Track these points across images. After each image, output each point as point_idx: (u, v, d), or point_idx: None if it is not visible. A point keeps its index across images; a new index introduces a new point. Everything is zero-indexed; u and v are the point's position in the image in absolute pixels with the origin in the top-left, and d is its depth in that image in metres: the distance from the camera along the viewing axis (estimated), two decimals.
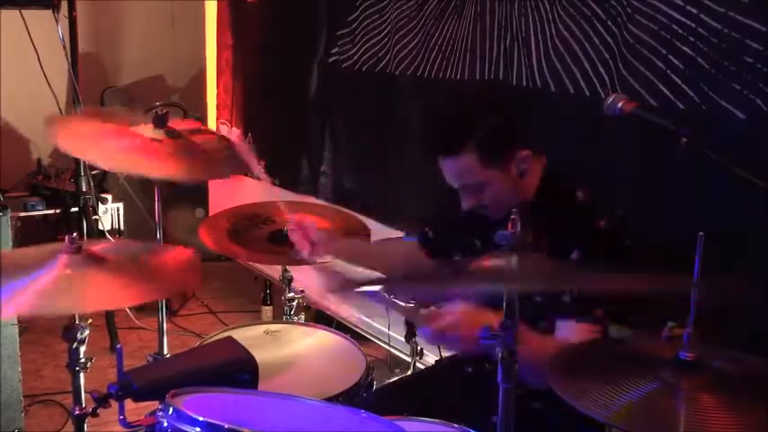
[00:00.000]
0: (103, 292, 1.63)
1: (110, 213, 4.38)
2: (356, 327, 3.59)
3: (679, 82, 2.15)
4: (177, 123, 2.44)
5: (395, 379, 2.43)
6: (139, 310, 3.92)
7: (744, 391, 1.24)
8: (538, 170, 1.86)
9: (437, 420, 1.66)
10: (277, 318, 3.40)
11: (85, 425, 1.74)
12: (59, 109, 3.85)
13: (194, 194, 4.92)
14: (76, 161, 3.85)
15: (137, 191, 4.68)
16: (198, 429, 1.38)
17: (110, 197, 4.41)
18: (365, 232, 2.58)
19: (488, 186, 1.82)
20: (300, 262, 2.30)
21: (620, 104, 1.74)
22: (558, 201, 1.84)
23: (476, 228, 1.98)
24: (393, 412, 1.65)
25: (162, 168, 2.28)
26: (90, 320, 1.75)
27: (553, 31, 2.53)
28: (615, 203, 1.85)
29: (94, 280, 1.63)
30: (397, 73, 3.26)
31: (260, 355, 1.86)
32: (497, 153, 1.80)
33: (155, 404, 1.53)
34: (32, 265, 1.63)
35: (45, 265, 1.62)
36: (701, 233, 1.29)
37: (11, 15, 3.74)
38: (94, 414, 1.70)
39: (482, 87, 2.59)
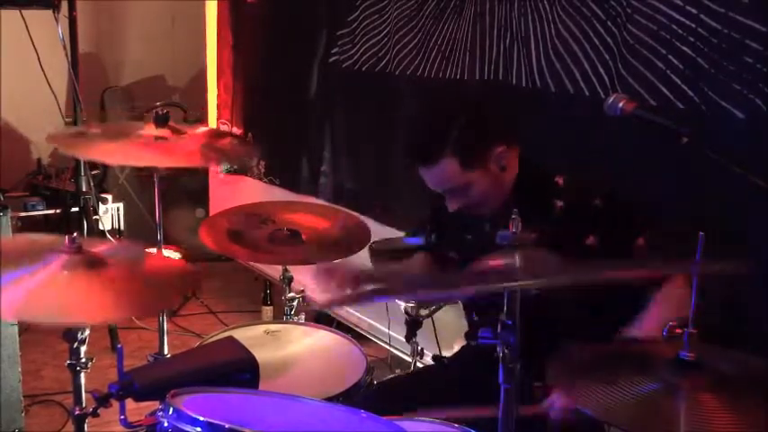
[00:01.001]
0: (98, 303, 1.61)
1: (110, 213, 4.38)
2: (356, 327, 3.60)
3: (679, 82, 2.15)
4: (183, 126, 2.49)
5: (394, 375, 2.43)
6: None
7: (744, 391, 1.24)
8: (515, 162, 1.90)
9: (437, 420, 1.66)
10: (277, 318, 3.40)
11: (86, 425, 1.74)
12: (59, 109, 3.86)
13: (194, 194, 4.92)
14: (77, 161, 3.86)
15: (137, 191, 4.69)
16: (198, 429, 1.38)
17: (110, 197, 4.41)
18: (365, 233, 2.58)
19: (472, 187, 1.85)
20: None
21: (620, 104, 1.75)
22: (539, 188, 1.89)
23: (466, 223, 2.00)
24: (393, 412, 1.66)
25: (169, 159, 2.30)
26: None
27: (553, 31, 2.53)
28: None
29: (90, 287, 1.61)
30: (397, 73, 3.26)
31: (260, 355, 1.86)
32: (475, 153, 1.83)
33: (155, 404, 1.53)
34: (30, 257, 1.62)
35: (43, 261, 1.60)
36: (701, 233, 1.29)
37: (11, 15, 3.74)
38: (95, 414, 1.70)
39: (449, 88, 2.61)
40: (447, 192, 1.88)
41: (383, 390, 2.09)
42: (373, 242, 2.59)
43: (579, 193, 1.88)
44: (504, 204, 1.89)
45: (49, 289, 1.57)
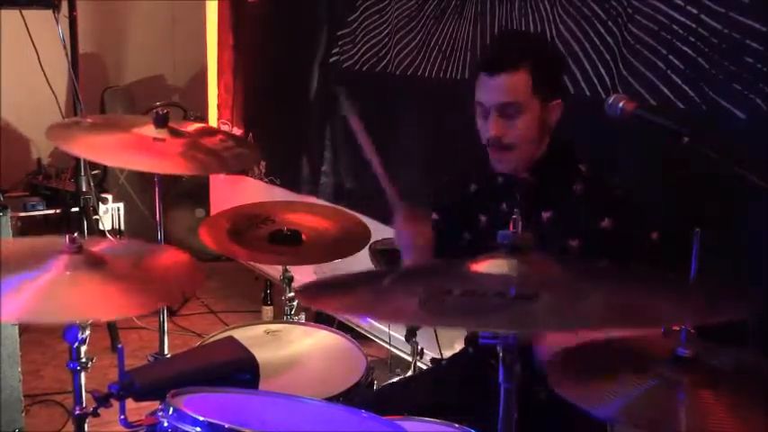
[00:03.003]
0: (103, 301, 1.61)
1: (110, 213, 4.38)
2: (357, 326, 3.59)
3: (679, 82, 2.15)
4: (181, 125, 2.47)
5: (395, 380, 2.42)
6: None
7: (743, 388, 1.24)
8: (549, 135, 1.93)
9: (437, 420, 1.66)
10: (277, 318, 3.40)
11: (86, 425, 1.74)
12: (59, 109, 3.86)
13: (195, 194, 4.92)
14: (77, 161, 3.86)
15: (137, 191, 4.69)
16: (198, 429, 1.38)
17: (110, 197, 4.42)
18: (365, 233, 2.58)
19: (523, 115, 1.86)
20: None
21: (621, 104, 1.75)
22: (563, 168, 1.92)
23: (479, 203, 2.00)
24: (393, 412, 1.65)
25: (167, 165, 2.31)
26: (91, 320, 1.74)
27: (553, 31, 2.52)
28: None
29: (94, 285, 1.61)
30: (397, 73, 3.26)
31: (260, 355, 1.86)
32: (545, 85, 1.87)
33: (155, 404, 1.53)
34: (32, 261, 1.62)
35: (44, 263, 1.61)
36: (697, 229, 1.30)
37: (11, 15, 3.75)
38: (95, 414, 1.70)
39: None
40: (502, 107, 1.87)
41: (382, 394, 2.08)
42: (373, 242, 2.59)
43: (601, 179, 1.92)
44: (528, 170, 1.93)
45: (53, 290, 1.56)
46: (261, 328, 2.35)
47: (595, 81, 2.39)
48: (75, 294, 1.58)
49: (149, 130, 2.33)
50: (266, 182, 4.34)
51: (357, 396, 1.96)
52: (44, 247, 1.68)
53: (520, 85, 1.84)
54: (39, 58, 3.68)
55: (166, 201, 2.50)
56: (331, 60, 3.69)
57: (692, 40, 2.11)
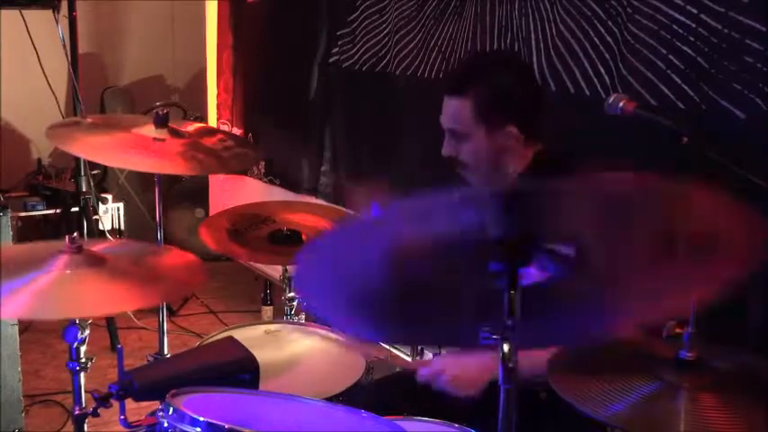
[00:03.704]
0: (104, 296, 1.63)
1: (110, 213, 4.38)
2: None
3: (679, 82, 2.15)
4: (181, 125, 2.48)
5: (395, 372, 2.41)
6: (140, 310, 3.91)
7: (744, 391, 1.24)
8: (527, 155, 1.89)
9: (437, 420, 1.66)
10: (277, 318, 3.40)
11: (86, 425, 1.74)
12: (59, 109, 3.86)
13: (194, 194, 4.92)
14: (77, 161, 3.86)
15: (137, 191, 4.69)
16: (198, 429, 1.38)
17: (110, 197, 4.41)
18: None
19: (469, 141, 1.87)
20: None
21: (621, 104, 1.75)
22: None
23: None
24: (393, 411, 1.66)
25: (167, 165, 2.32)
26: (90, 320, 1.74)
27: (553, 30, 2.53)
28: None
29: (95, 282, 1.62)
30: (397, 73, 3.26)
31: (260, 356, 1.85)
32: (489, 113, 1.84)
33: (155, 404, 1.54)
34: (32, 263, 1.63)
35: (45, 264, 1.61)
36: None
37: (11, 15, 3.75)
38: (95, 414, 1.70)
39: (507, 52, 2.61)
40: (448, 132, 1.91)
41: (383, 387, 2.08)
42: None
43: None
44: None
45: (54, 288, 1.57)
46: (260, 329, 2.35)
47: (595, 81, 2.39)
48: (76, 291, 1.60)
49: (149, 130, 2.33)
50: (266, 182, 4.34)
51: (357, 395, 1.95)
52: (44, 249, 1.69)
53: (459, 112, 1.86)
54: (39, 58, 3.68)
55: (166, 201, 2.51)
56: (331, 60, 3.69)
57: (692, 39, 2.11)
